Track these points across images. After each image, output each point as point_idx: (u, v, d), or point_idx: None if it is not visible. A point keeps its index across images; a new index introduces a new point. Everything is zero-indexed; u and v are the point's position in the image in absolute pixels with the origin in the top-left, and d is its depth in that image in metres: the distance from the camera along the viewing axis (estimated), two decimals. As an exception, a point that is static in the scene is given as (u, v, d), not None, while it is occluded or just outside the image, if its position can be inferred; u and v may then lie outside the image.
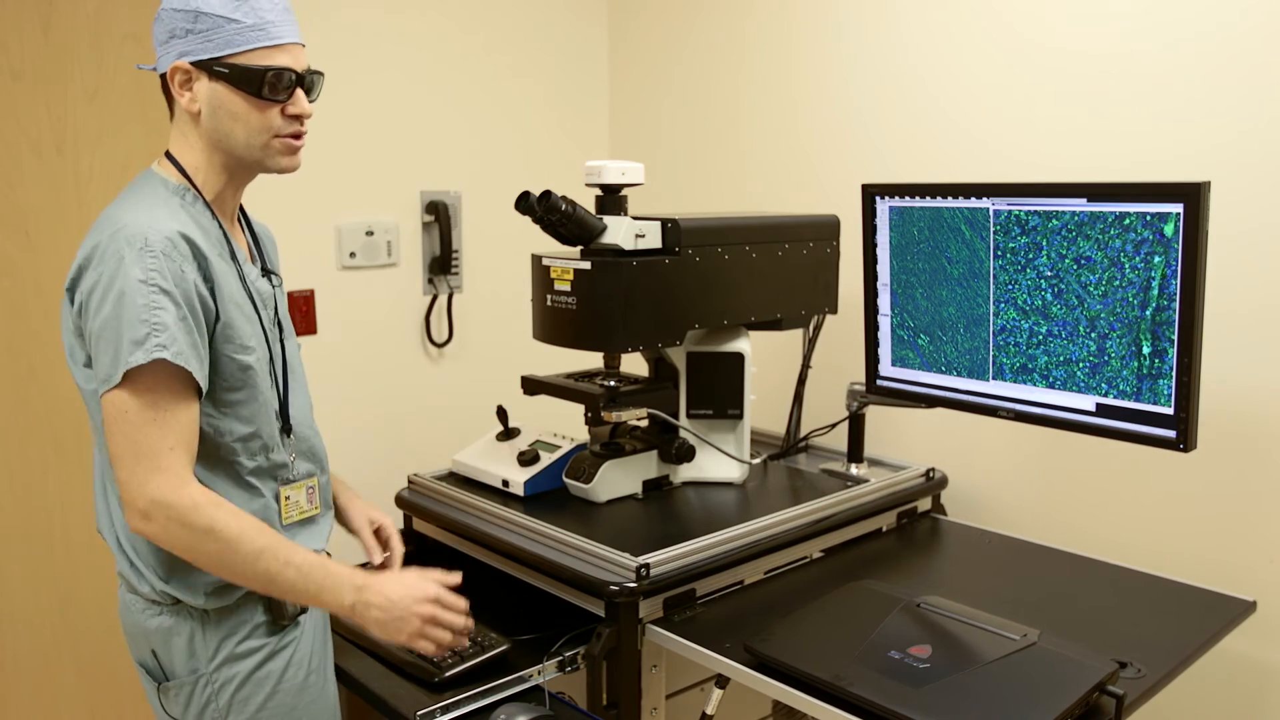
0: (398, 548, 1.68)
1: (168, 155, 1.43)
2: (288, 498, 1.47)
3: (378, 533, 1.68)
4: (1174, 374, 1.59)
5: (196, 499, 1.29)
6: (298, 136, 1.42)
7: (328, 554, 1.47)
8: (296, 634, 1.47)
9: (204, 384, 1.32)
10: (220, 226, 1.42)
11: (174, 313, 1.27)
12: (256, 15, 1.35)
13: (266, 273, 1.54)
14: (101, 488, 1.44)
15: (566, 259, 1.88)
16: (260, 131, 1.38)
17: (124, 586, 1.45)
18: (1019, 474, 2.18)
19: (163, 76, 1.40)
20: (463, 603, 1.46)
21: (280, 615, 1.44)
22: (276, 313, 1.52)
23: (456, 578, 1.48)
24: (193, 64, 1.36)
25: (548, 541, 1.79)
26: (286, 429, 1.47)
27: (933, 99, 2.24)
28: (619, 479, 1.99)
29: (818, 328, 2.28)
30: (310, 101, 1.43)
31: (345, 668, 1.63)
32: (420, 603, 1.40)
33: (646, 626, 1.66)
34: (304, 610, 1.48)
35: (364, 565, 1.58)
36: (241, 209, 1.55)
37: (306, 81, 1.41)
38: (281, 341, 1.51)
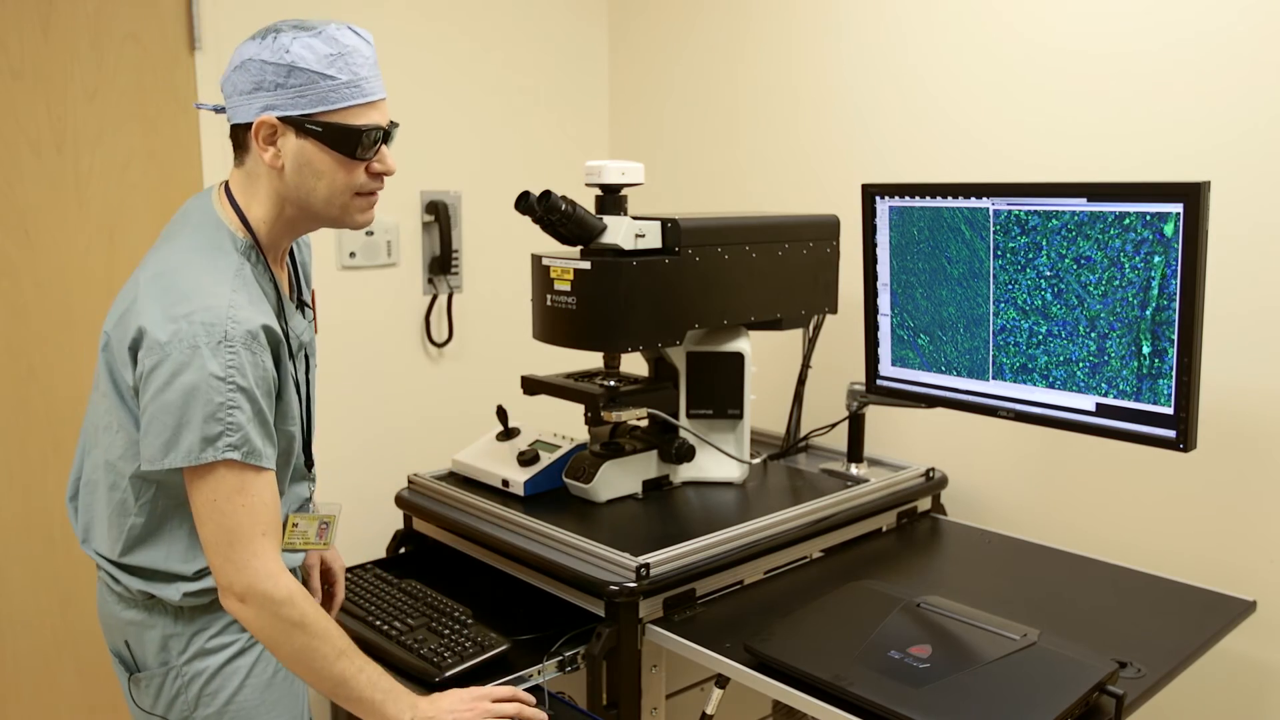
0: (339, 594, 1.71)
1: (229, 197, 1.39)
2: (295, 525, 1.47)
3: (325, 574, 1.71)
4: (1174, 374, 1.59)
5: (292, 590, 1.29)
6: (374, 193, 1.40)
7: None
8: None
9: (273, 465, 1.32)
10: (273, 280, 1.40)
11: (249, 410, 1.26)
12: (351, 72, 1.32)
13: (301, 304, 1.52)
14: (89, 491, 1.44)
15: (566, 259, 1.88)
16: (344, 190, 1.36)
17: (102, 579, 1.47)
18: (1019, 474, 2.18)
19: (239, 125, 1.36)
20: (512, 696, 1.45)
21: None
22: (307, 351, 1.50)
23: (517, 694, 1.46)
24: (280, 119, 1.31)
25: (548, 541, 1.79)
26: (309, 463, 1.48)
27: (933, 99, 2.24)
28: (619, 479, 1.99)
29: (818, 327, 2.28)
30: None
31: (345, 667, 1.63)
32: (476, 700, 1.40)
33: (646, 626, 1.66)
34: None
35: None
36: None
37: (390, 135, 1.39)
38: (308, 375, 1.50)
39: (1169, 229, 1.56)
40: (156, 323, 1.26)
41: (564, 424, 2.25)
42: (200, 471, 1.26)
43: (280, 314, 1.39)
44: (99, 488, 1.42)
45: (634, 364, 2.13)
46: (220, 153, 2.31)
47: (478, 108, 2.69)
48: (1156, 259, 1.58)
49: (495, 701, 1.42)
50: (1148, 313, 1.61)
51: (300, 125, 1.31)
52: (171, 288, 1.29)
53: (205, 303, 1.26)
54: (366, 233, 2.49)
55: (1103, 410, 1.70)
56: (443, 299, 2.67)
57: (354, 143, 1.32)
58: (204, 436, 1.24)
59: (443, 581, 1.88)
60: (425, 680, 1.55)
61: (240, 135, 1.37)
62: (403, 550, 2.14)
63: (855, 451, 2.20)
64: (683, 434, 2.04)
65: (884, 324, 2.01)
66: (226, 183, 1.41)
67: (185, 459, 1.25)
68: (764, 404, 2.32)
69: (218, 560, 1.29)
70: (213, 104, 1.43)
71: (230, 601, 1.30)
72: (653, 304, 1.88)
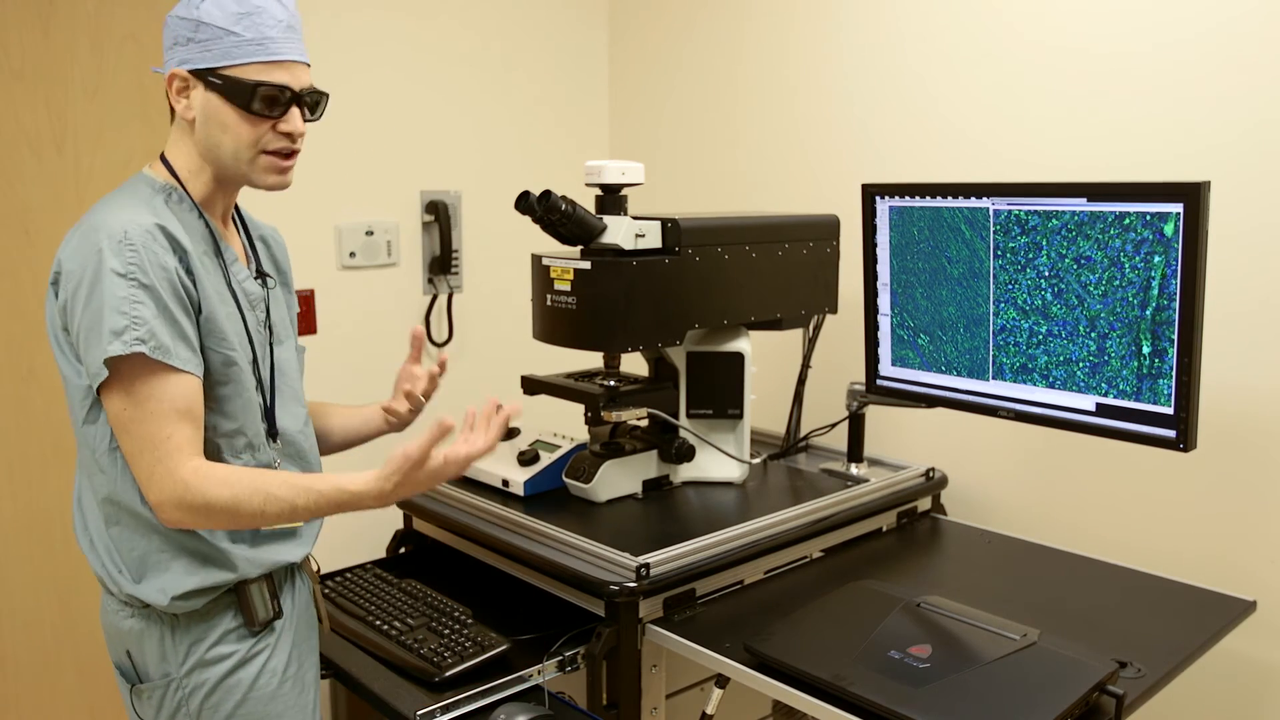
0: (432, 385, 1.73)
1: (162, 158, 1.44)
2: None
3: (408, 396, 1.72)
4: (1174, 374, 1.59)
5: (186, 480, 1.28)
6: (287, 156, 1.41)
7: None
8: (271, 641, 1.45)
9: (196, 370, 1.32)
10: (208, 225, 1.43)
11: (152, 307, 1.28)
12: (257, 30, 1.35)
13: (261, 275, 1.53)
14: (77, 491, 1.44)
15: (566, 259, 1.88)
16: (248, 146, 1.38)
17: (102, 587, 1.45)
18: (1019, 474, 2.18)
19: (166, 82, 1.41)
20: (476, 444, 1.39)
21: (251, 621, 1.43)
22: (269, 315, 1.51)
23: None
24: (190, 72, 1.36)
25: (548, 541, 1.79)
26: (273, 433, 1.47)
27: (933, 99, 2.24)
28: (619, 479, 1.99)
29: (818, 327, 2.28)
30: (310, 120, 1.42)
31: (345, 668, 1.63)
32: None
33: (646, 626, 1.66)
34: (279, 616, 1.46)
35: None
36: (238, 211, 1.55)
37: (306, 100, 1.40)
38: (270, 345, 1.50)
39: (1169, 229, 1.56)
40: (68, 254, 1.31)
41: (564, 424, 2.25)
42: (111, 378, 1.27)
43: (218, 256, 1.42)
44: (86, 477, 1.41)
45: (634, 364, 2.13)
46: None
47: (478, 108, 2.69)
48: (1156, 259, 1.58)
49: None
50: (1148, 312, 1.61)
51: (205, 79, 1.35)
52: (84, 224, 1.34)
53: (107, 218, 1.31)
54: (366, 232, 2.49)
55: (1103, 410, 1.70)
56: (443, 299, 2.67)
57: (250, 96, 1.35)
58: (112, 330, 1.26)
59: (443, 581, 1.88)
60: (425, 680, 1.55)
61: (167, 92, 1.41)
62: (403, 550, 2.14)
63: (855, 451, 2.20)
64: (683, 434, 2.04)
65: (884, 324, 2.01)
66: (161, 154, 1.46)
67: (99, 360, 1.26)
68: (764, 404, 2.32)
69: (140, 475, 1.30)
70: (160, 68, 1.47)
71: (160, 514, 1.30)
72: (653, 304, 1.88)
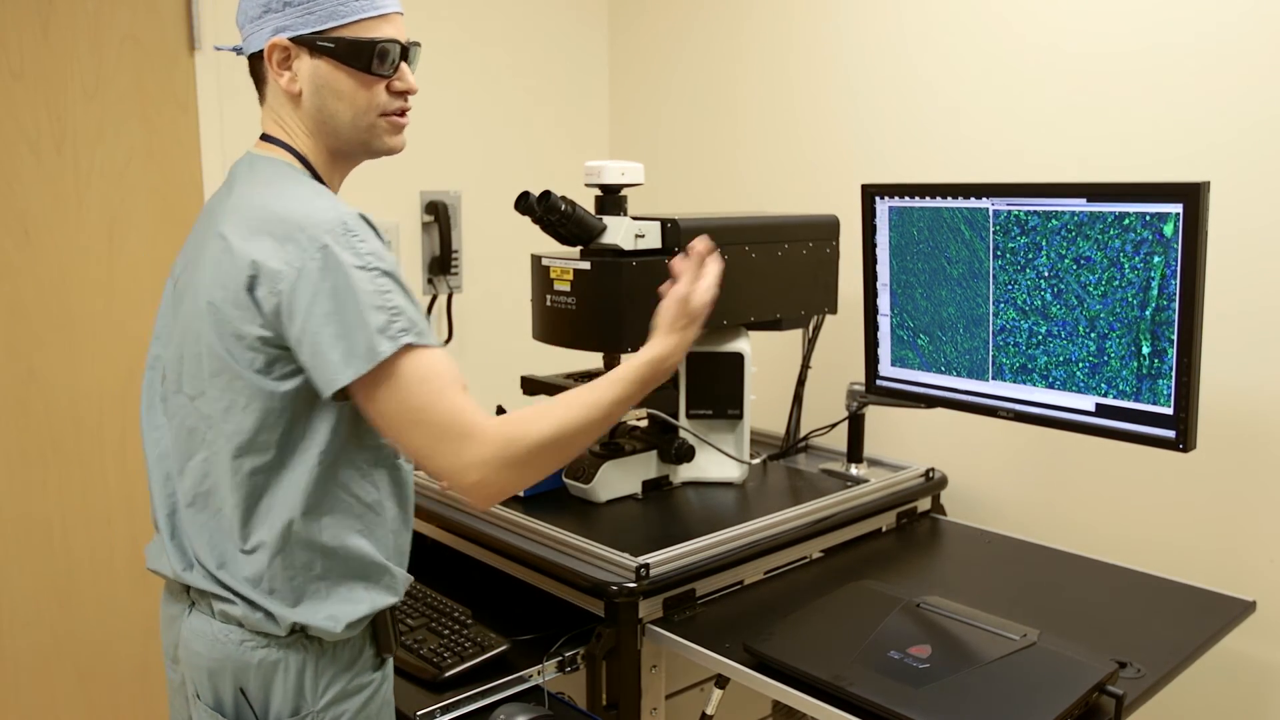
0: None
1: (269, 138, 1.31)
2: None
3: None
4: (1173, 374, 1.59)
5: (506, 435, 1.18)
6: (403, 113, 1.32)
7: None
8: (387, 669, 1.35)
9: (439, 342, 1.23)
10: None
11: (400, 290, 1.18)
12: None
13: None
14: (204, 506, 1.27)
15: (566, 259, 1.88)
16: (367, 110, 1.28)
17: (210, 615, 1.26)
18: (1019, 474, 2.18)
19: (252, 56, 1.29)
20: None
21: (386, 647, 1.32)
22: None
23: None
24: (292, 40, 1.24)
25: (547, 542, 1.79)
26: None
27: (933, 99, 2.24)
28: (618, 479, 1.99)
29: (817, 328, 2.28)
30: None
31: (345, 668, 1.63)
32: (681, 309, 1.44)
33: (646, 626, 1.66)
34: (400, 642, 1.37)
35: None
36: None
37: (410, 54, 1.31)
38: None
39: (1169, 229, 1.56)
40: (268, 252, 1.16)
41: (564, 424, 2.25)
42: (378, 376, 1.14)
43: None
44: (224, 495, 1.24)
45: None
46: (219, 154, 2.31)
47: (478, 108, 2.69)
48: (1156, 259, 1.58)
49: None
50: (1147, 313, 1.61)
51: (312, 44, 1.24)
52: (265, 218, 1.19)
53: (308, 210, 1.18)
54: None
55: (1102, 410, 1.70)
56: (442, 299, 2.67)
57: (368, 55, 1.25)
58: (377, 329, 1.14)
59: (442, 581, 1.88)
60: (425, 680, 1.55)
61: (257, 67, 1.30)
62: (402, 550, 2.13)
63: (855, 452, 2.20)
64: (682, 434, 2.04)
65: (884, 324, 2.01)
66: (263, 134, 1.33)
67: (367, 361, 1.13)
68: (764, 404, 2.32)
69: (438, 464, 1.18)
70: (231, 45, 1.36)
71: (471, 494, 1.20)
72: (652, 304, 1.87)
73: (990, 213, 1.79)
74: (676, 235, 1.90)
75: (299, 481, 1.22)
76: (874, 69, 2.34)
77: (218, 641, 1.25)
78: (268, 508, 1.23)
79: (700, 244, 1.49)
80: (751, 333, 2.10)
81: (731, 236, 1.99)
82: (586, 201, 1.89)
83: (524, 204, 1.83)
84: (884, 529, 2.08)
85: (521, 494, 1.98)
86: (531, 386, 2.07)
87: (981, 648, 1.44)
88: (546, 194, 1.80)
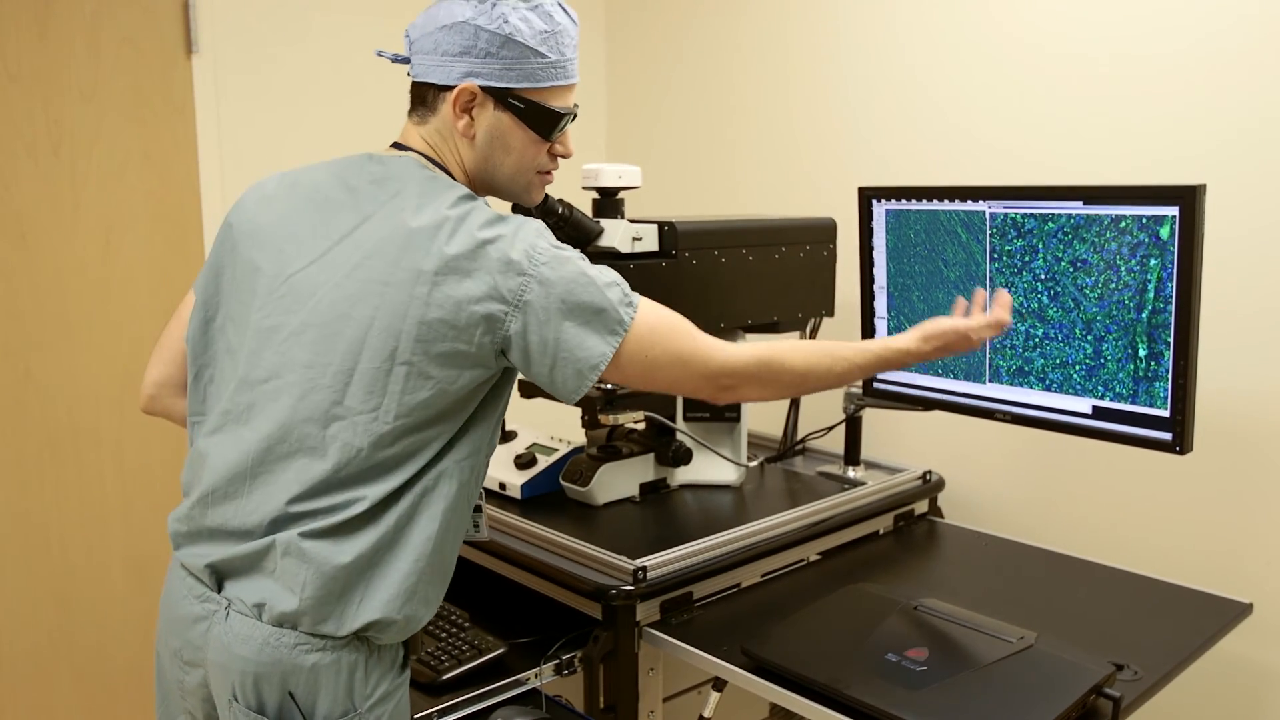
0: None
1: (432, 160, 1.34)
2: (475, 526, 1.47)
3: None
4: (1170, 376, 1.60)
5: (746, 355, 1.33)
6: (551, 173, 1.40)
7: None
8: (409, 670, 1.37)
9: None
10: None
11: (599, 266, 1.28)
12: (559, 52, 1.31)
13: None
14: (276, 511, 1.23)
15: (563, 262, 1.88)
16: (529, 169, 1.36)
17: (256, 617, 1.24)
18: (1016, 477, 2.19)
19: (433, 85, 1.32)
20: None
21: (414, 649, 1.36)
22: None
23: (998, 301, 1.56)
24: (483, 88, 1.29)
25: (545, 545, 1.79)
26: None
27: (929, 102, 2.24)
28: (616, 482, 1.99)
29: (814, 330, 2.28)
30: None
31: (342, 671, 1.63)
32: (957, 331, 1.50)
33: (644, 629, 1.66)
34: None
35: None
36: None
37: (574, 119, 1.38)
38: None
39: (1165, 232, 1.57)
40: (496, 269, 1.22)
41: (561, 427, 2.25)
42: (625, 348, 1.25)
43: None
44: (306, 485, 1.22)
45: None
46: (216, 156, 2.31)
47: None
48: (1152, 262, 1.59)
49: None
50: (1144, 315, 1.61)
51: (502, 98, 1.30)
52: (480, 239, 1.23)
53: (512, 231, 1.25)
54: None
55: (1099, 413, 1.70)
56: (440, 302, 2.66)
57: (552, 124, 1.32)
58: (619, 301, 1.25)
59: (440, 585, 1.87)
60: (422, 683, 1.55)
61: (431, 95, 1.33)
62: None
63: (852, 454, 2.20)
64: (680, 437, 2.04)
65: (880, 327, 2.01)
66: (399, 143, 1.36)
67: (616, 334, 1.24)
68: (761, 407, 2.32)
69: (691, 385, 1.32)
70: (393, 54, 1.39)
71: (719, 395, 1.34)
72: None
73: (987, 215, 1.79)
74: (674, 238, 1.90)
75: (459, 474, 1.29)
76: (871, 72, 2.34)
77: (267, 645, 1.22)
78: (438, 506, 1.29)
79: (1007, 297, 1.58)
80: (749, 335, 2.10)
81: (728, 239, 1.99)
82: (584, 204, 1.90)
83: (521, 206, 1.82)
84: (881, 531, 2.08)
85: (519, 497, 1.98)
86: (528, 390, 2.07)
87: (979, 650, 1.44)
88: (544, 197, 1.80)
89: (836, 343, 1.42)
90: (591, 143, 2.99)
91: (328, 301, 1.24)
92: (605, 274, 1.27)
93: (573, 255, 1.26)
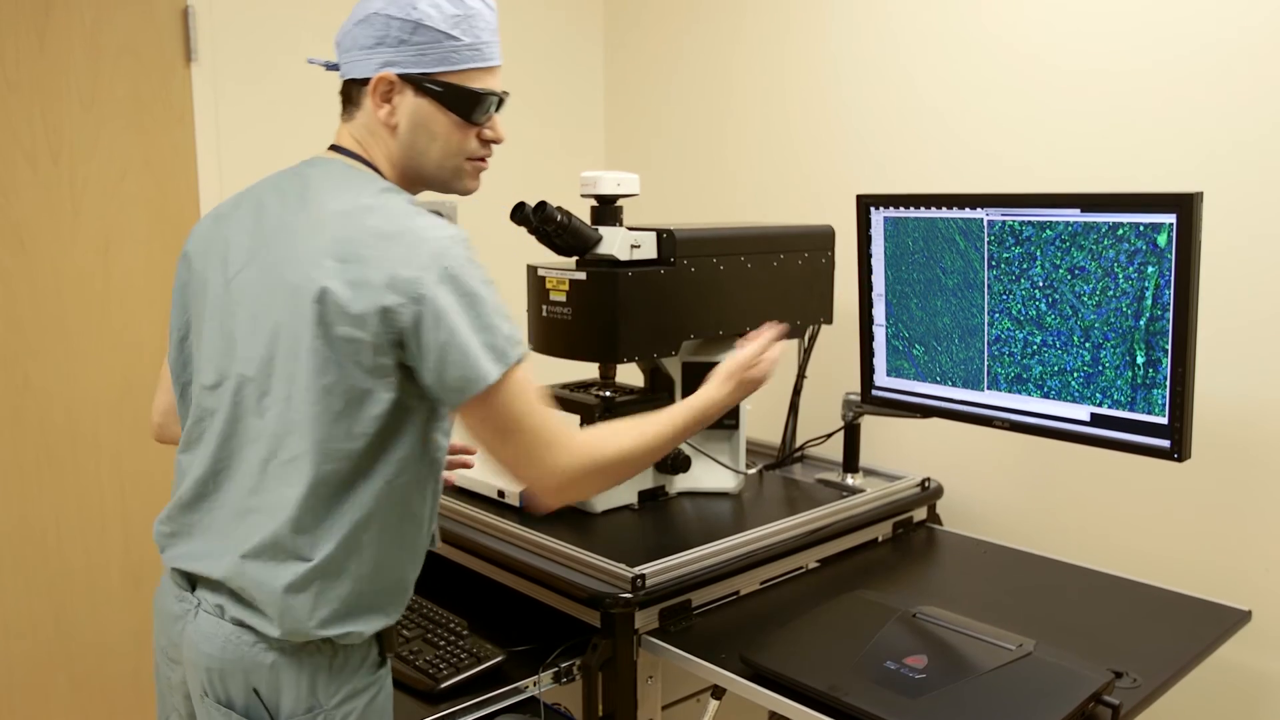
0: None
1: (343, 151, 1.36)
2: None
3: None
4: (1168, 384, 1.60)
5: (587, 444, 1.30)
6: (484, 159, 1.39)
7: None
8: (389, 665, 1.38)
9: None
10: None
11: (505, 306, 1.26)
12: (474, 35, 1.31)
13: None
14: (235, 521, 1.28)
15: (561, 269, 1.88)
16: (456, 153, 1.35)
17: (220, 617, 1.28)
18: (1014, 484, 2.19)
19: (354, 80, 1.34)
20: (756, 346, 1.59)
21: (390, 647, 1.36)
22: None
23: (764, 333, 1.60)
24: (400, 76, 1.30)
25: (543, 552, 1.78)
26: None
27: (928, 110, 2.24)
28: (614, 489, 1.99)
29: (813, 338, 2.28)
30: None
31: (340, 679, 1.62)
32: (747, 365, 1.55)
33: (642, 637, 1.65)
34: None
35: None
36: None
37: (503, 105, 1.38)
38: None
39: (1162, 239, 1.57)
40: (393, 258, 1.20)
41: (560, 434, 2.25)
42: (497, 387, 1.21)
43: None
44: (286, 485, 1.24)
45: (629, 375, 2.13)
46: (215, 165, 2.31)
47: (473, 119, 2.70)
48: (1150, 269, 1.59)
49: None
50: (1141, 323, 1.61)
51: (419, 84, 1.30)
52: (385, 230, 1.23)
53: (425, 225, 1.23)
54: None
55: (1097, 420, 1.70)
56: (438, 309, 2.67)
57: (471, 105, 1.32)
58: (507, 338, 1.22)
59: (438, 593, 1.87)
60: (421, 692, 1.55)
61: (354, 91, 1.35)
62: (398, 561, 2.13)
63: (851, 462, 2.20)
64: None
65: (879, 334, 2.02)
66: (334, 145, 1.38)
67: (499, 365, 1.20)
68: (759, 414, 2.32)
69: (531, 472, 1.27)
70: (324, 60, 1.42)
71: (550, 498, 1.30)
72: (648, 315, 1.88)
73: (985, 223, 1.79)
74: (672, 245, 1.91)
75: (371, 490, 1.26)
76: (869, 79, 2.35)
77: (229, 642, 1.26)
78: (384, 504, 1.28)
79: (773, 329, 1.63)
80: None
81: (727, 247, 2.00)
82: (582, 212, 1.90)
83: (520, 214, 1.83)
84: (880, 539, 2.08)
85: (517, 505, 1.98)
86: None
87: (978, 658, 1.44)
88: (542, 204, 1.80)
89: (647, 417, 1.40)
90: (590, 150, 2.99)
91: (250, 300, 1.28)
92: (504, 309, 1.25)
93: (479, 271, 1.24)
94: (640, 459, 1.38)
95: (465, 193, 1.40)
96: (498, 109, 1.37)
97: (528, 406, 1.25)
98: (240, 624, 1.26)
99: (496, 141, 1.39)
